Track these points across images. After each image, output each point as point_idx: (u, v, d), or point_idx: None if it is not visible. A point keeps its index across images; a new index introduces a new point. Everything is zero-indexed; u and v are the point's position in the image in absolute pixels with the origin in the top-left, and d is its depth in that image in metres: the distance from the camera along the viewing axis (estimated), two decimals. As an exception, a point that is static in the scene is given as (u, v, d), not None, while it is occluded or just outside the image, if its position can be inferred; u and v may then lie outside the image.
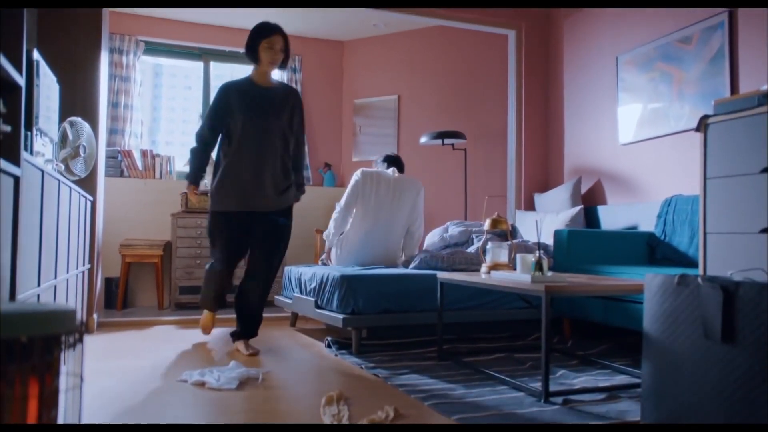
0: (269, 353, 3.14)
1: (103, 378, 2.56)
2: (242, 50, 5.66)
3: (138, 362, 2.88)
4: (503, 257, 2.96)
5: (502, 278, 2.58)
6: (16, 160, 1.65)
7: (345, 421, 1.95)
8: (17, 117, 1.66)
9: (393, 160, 4.16)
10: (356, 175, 3.90)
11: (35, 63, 2.22)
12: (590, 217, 4.32)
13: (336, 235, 3.94)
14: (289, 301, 3.90)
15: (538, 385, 2.43)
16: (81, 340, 0.96)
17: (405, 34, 5.79)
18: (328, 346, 3.28)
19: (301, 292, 3.73)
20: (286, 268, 4.11)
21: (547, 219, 4.32)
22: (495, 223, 3.01)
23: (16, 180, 1.65)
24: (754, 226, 1.85)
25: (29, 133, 2.11)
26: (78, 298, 3.19)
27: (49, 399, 0.93)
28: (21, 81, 1.67)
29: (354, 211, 3.87)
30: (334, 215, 3.94)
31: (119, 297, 4.67)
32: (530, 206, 4.88)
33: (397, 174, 3.99)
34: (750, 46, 3.35)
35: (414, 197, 3.99)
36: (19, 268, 1.69)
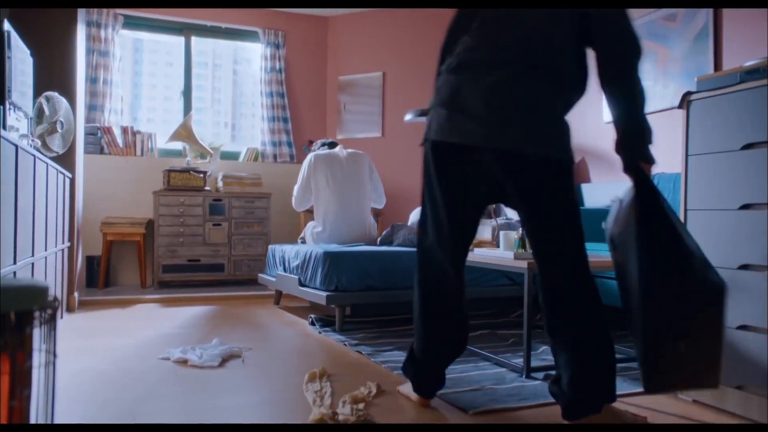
0: (253, 331, 3.13)
1: (85, 356, 2.54)
2: (224, 25, 5.57)
3: (120, 340, 2.86)
4: (486, 234, 2.97)
5: (485, 255, 2.58)
6: (-13, 135, 1.61)
7: (328, 397, 1.96)
8: (-12, 90, 1.61)
9: (332, 143, 4.17)
10: (308, 159, 3.88)
11: (6, 34, 2.16)
12: (574, 195, 4.33)
13: (302, 208, 3.98)
14: (273, 279, 3.88)
15: (520, 361, 2.45)
16: (54, 316, 0.94)
17: (390, 10, 5.72)
18: (312, 323, 3.28)
19: (285, 270, 3.72)
20: (270, 246, 4.09)
21: (531, 197, 4.33)
22: (479, 200, 3.00)
23: (-12, 155, 1.61)
24: (734, 203, 1.86)
25: (2, 107, 2.05)
26: (58, 276, 3.16)
27: (22, 377, 0.91)
28: (-9, 52, 1.62)
29: (312, 194, 3.87)
30: (294, 197, 3.95)
31: (101, 275, 4.62)
32: (514, 184, 4.89)
33: (345, 151, 3.98)
34: (734, 23, 3.35)
35: (369, 167, 4.02)
36: (-7, 245, 1.66)
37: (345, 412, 1.77)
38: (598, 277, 3.15)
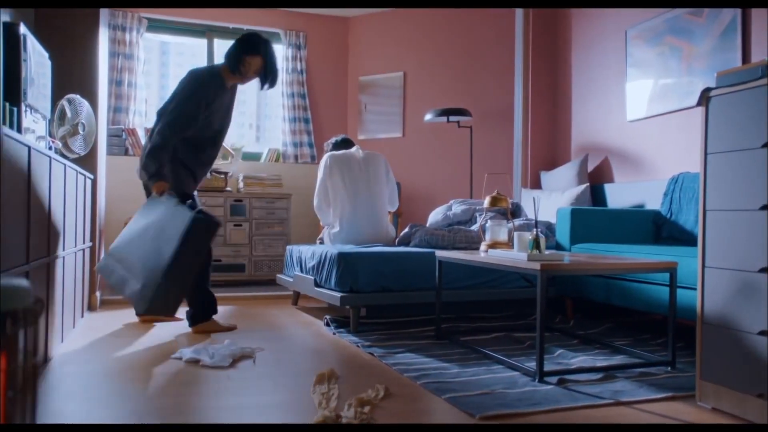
0: (268, 331, 3.13)
1: (98, 355, 2.57)
2: (246, 27, 5.61)
3: (135, 339, 2.89)
4: (503, 235, 2.92)
5: (499, 256, 2.53)
6: (-5, 136, 1.63)
7: (334, 399, 1.94)
8: (-4, 91, 1.64)
9: (344, 142, 4.10)
10: (324, 160, 3.85)
11: (22, 38, 2.19)
12: (597, 195, 4.25)
13: (326, 221, 3.92)
14: (290, 280, 3.89)
15: (534, 364, 2.40)
16: (37, 317, 0.94)
17: (411, 9, 5.69)
18: (327, 324, 3.27)
19: (302, 271, 3.72)
20: (288, 247, 4.10)
21: (552, 197, 4.25)
22: (494, 200, 2.96)
23: (-4, 156, 1.63)
24: (754, 203, 1.78)
25: (15, 109, 2.09)
26: (78, 276, 3.20)
27: (4, 378, 0.91)
28: (-1, 55, 1.64)
29: (331, 195, 3.82)
30: (314, 204, 3.91)
31: (124, 275, 4.69)
32: (536, 184, 4.81)
33: (361, 151, 3.94)
34: (763, 18, 3.23)
35: (385, 168, 3.96)
36: (2, 244, 1.68)
37: (348, 415, 1.75)
38: (625, 280, 3.07)
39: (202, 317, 3.11)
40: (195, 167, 3.17)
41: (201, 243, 2.82)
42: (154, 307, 2.67)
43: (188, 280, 2.81)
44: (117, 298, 4.09)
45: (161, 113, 3.05)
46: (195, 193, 3.32)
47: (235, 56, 3.07)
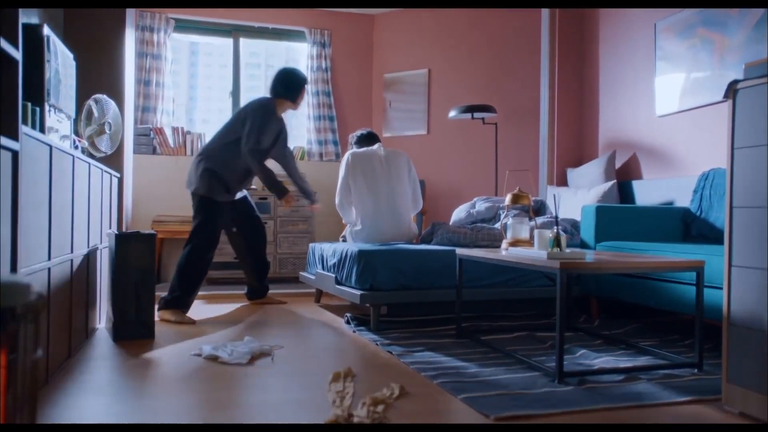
0: (288, 329, 3.14)
1: (118, 351, 2.61)
2: (271, 26, 5.65)
3: (157, 336, 2.93)
4: (524, 233, 2.87)
5: (519, 254, 2.49)
6: (14, 135, 1.66)
7: (348, 398, 1.93)
8: (14, 92, 1.67)
9: (369, 137, 4.05)
10: (346, 158, 3.82)
11: (46, 39, 2.23)
12: (625, 192, 4.15)
13: (348, 219, 3.89)
14: (313, 278, 3.90)
15: (554, 364, 2.35)
16: (37, 314, 0.95)
17: (435, 6, 5.64)
18: (348, 322, 3.27)
19: (323, 268, 3.72)
20: (310, 245, 4.11)
21: (579, 194, 4.17)
22: (516, 198, 2.91)
23: (15, 155, 1.66)
24: (784, 200, 1.71)
25: (38, 109, 2.13)
26: (105, 273, 3.26)
27: (5, 375, 0.92)
28: (17, 55, 1.67)
29: (352, 193, 3.78)
30: (336, 202, 3.88)
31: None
32: (563, 181, 4.73)
33: (383, 149, 3.90)
34: (798, 7, 3.11)
35: (407, 167, 3.90)
36: (22, 242, 1.71)
37: (361, 414, 1.74)
38: (651, 279, 2.99)
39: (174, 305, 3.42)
40: (233, 181, 3.58)
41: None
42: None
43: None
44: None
45: (236, 140, 3.53)
46: (246, 193, 3.87)
47: (297, 89, 3.67)
